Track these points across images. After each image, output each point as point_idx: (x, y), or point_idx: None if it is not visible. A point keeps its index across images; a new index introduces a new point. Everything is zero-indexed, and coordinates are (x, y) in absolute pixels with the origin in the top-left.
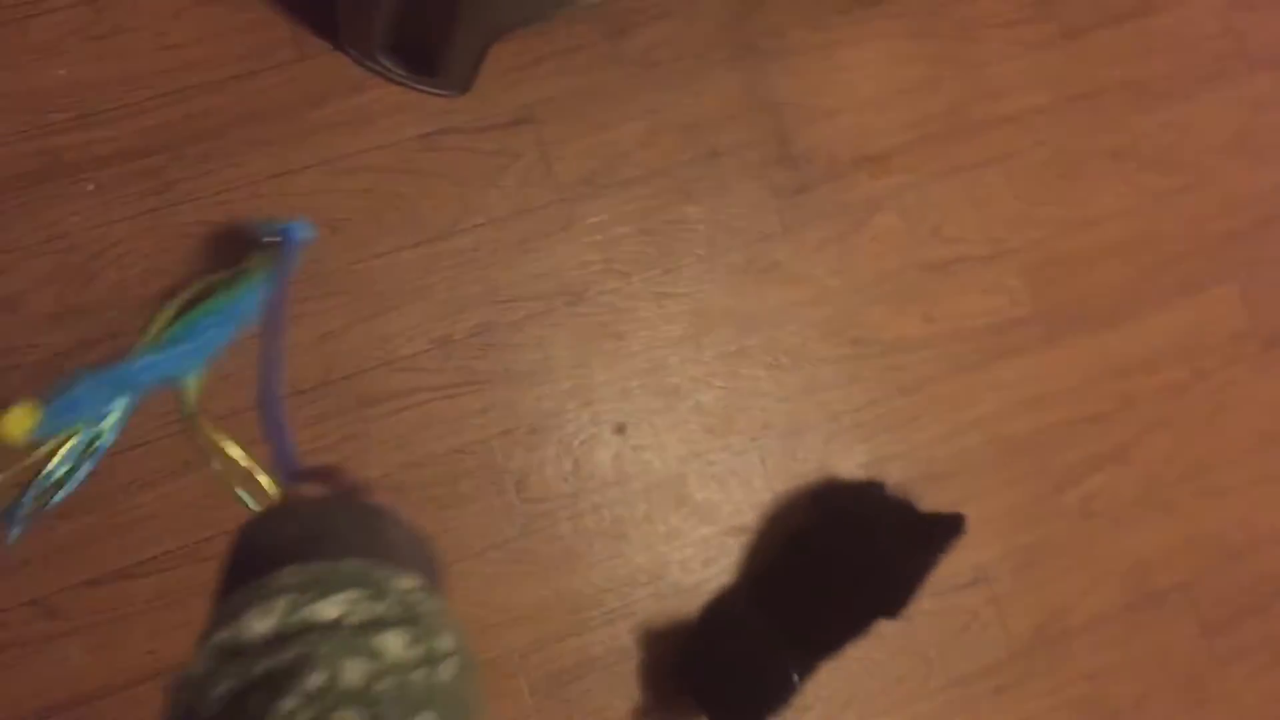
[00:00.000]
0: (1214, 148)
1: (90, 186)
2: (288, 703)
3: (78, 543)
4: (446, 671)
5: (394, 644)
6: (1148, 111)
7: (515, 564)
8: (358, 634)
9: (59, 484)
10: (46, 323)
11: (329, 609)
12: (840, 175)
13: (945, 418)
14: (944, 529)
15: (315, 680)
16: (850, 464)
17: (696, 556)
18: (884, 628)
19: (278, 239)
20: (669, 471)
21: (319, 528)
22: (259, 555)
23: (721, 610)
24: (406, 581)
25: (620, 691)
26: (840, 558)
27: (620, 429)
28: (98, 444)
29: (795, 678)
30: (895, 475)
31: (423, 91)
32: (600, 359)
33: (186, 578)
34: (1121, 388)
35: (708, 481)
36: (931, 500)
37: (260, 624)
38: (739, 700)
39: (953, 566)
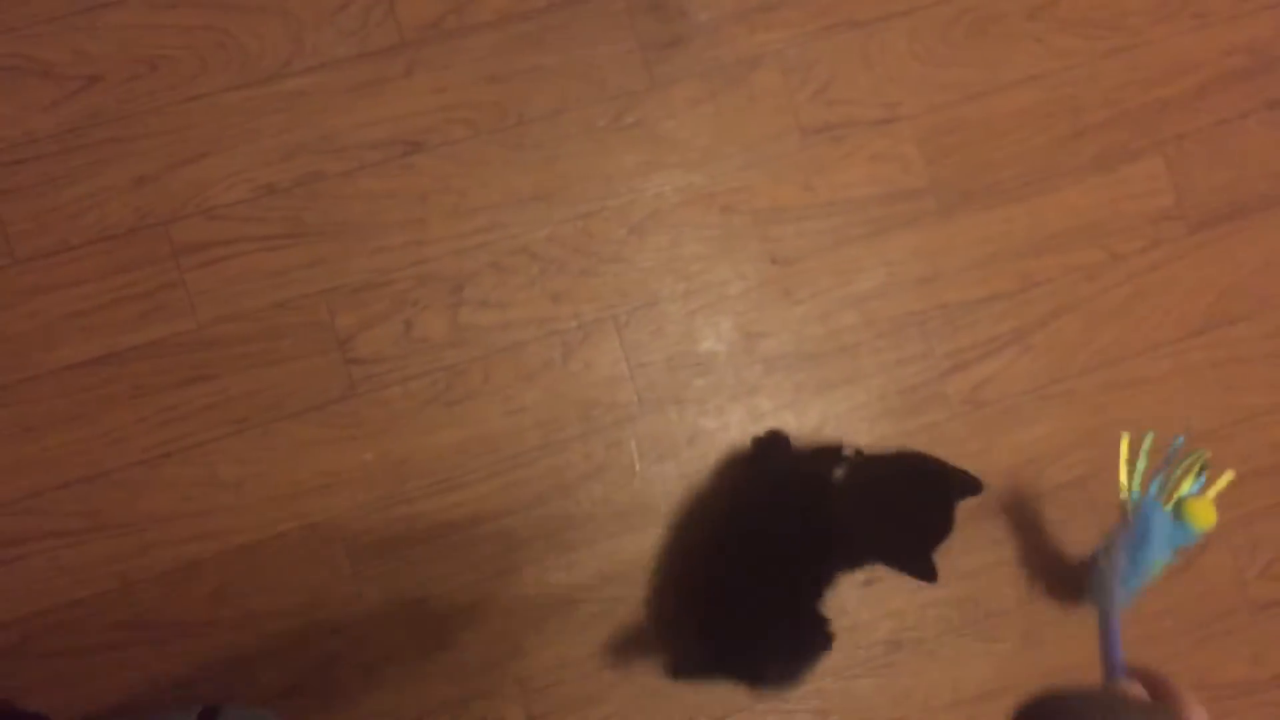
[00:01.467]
0: (1145, 7)
1: None
2: None
3: None
4: None
5: None
6: None
7: (338, 426)
8: None
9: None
10: None
11: None
12: (717, 27)
13: (823, 294)
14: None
15: None
16: (714, 338)
17: (535, 429)
18: None
19: None
20: (510, 338)
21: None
22: None
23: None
24: None
25: (445, 566)
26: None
27: (458, 289)
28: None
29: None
30: (768, 351)
31: None
32: (440, 215)
33: None
34: (1025, 268)
35: (552, 351)
36: (805, 377)
37: None
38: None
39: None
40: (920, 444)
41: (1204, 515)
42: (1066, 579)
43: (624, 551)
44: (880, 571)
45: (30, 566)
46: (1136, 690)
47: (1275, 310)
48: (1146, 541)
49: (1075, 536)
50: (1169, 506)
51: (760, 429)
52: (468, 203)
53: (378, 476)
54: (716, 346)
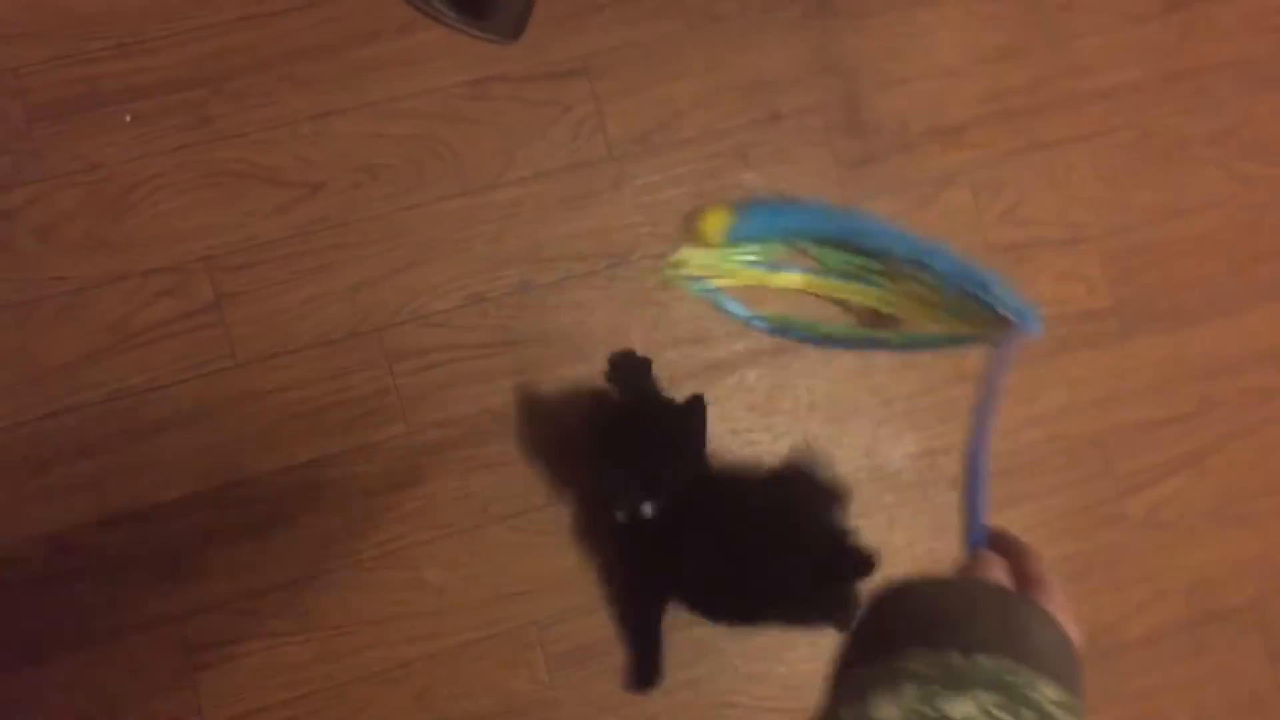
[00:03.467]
0: None
1: (127, 118)
2: None
3: None
4: None
5: None
6: (1254, 94)
7: (540, 533)
8: None
9: None
10: (75, 255)
11: (959, 708)
12: (910, 147)
13: (1007, 410)
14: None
15: None
16: (900, 453)
17: None
18: None
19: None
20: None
21: (960, 611)
22: (891, 624)
23: None
24: (1051, 692)
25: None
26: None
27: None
28: None
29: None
30: (946, 469)
31: (473, 36)
32: (640, 326)
33: None
34: (1203, 390)
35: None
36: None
37: (886, 710)
38: None
39: None
40: (1098, 562)
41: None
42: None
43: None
44: None
45: (244, 666)
46: (996, 570)
47: None
48: None
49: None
50: None
51: (944, 544)
52: (668, 314)
53: (577, 582)
54: (902, 461)
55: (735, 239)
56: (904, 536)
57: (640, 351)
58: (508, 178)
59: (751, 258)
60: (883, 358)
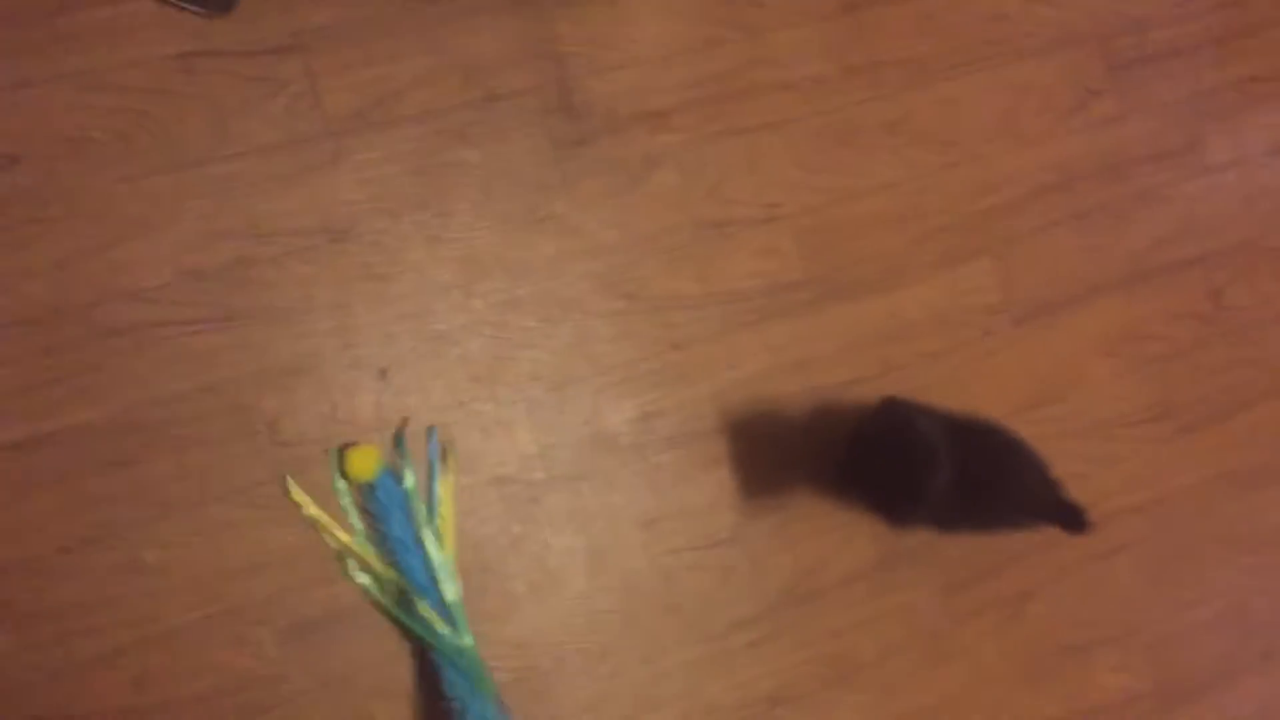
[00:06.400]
0: (979, 127)
1: None
2: None
3: None
4: None
5: None
6: (921, 88)
7: (263, 509)
8: None
9: None
10: None
11: None
12: (620, 129)
13: (714, 376)
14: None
15: None
16: (618, 418)
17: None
18: (643, 582)
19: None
20: (432, 420)
21: None
22: None
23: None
24: None
25: (370, 643)
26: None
27: (382, 374)
28: None
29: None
30: (662, 431)
31: (181, 8)
32: (364, 300)
33: None
34: (883, 353)
35: (471, 431)
36: (693, 455)
37: None
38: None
39: (714, 523)
40: (793, 514)
41: (363, 464)
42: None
43: (536, 620)
44: None
45: None
46: None
47: (1080, 392)
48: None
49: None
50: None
51: (660, 503)
52: (391, 289)
53: (302, 557)
54: (620, 425)
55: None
56: (623, 497)
57: (366, 321)
58: (220, 153)
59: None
60: (599, 328)
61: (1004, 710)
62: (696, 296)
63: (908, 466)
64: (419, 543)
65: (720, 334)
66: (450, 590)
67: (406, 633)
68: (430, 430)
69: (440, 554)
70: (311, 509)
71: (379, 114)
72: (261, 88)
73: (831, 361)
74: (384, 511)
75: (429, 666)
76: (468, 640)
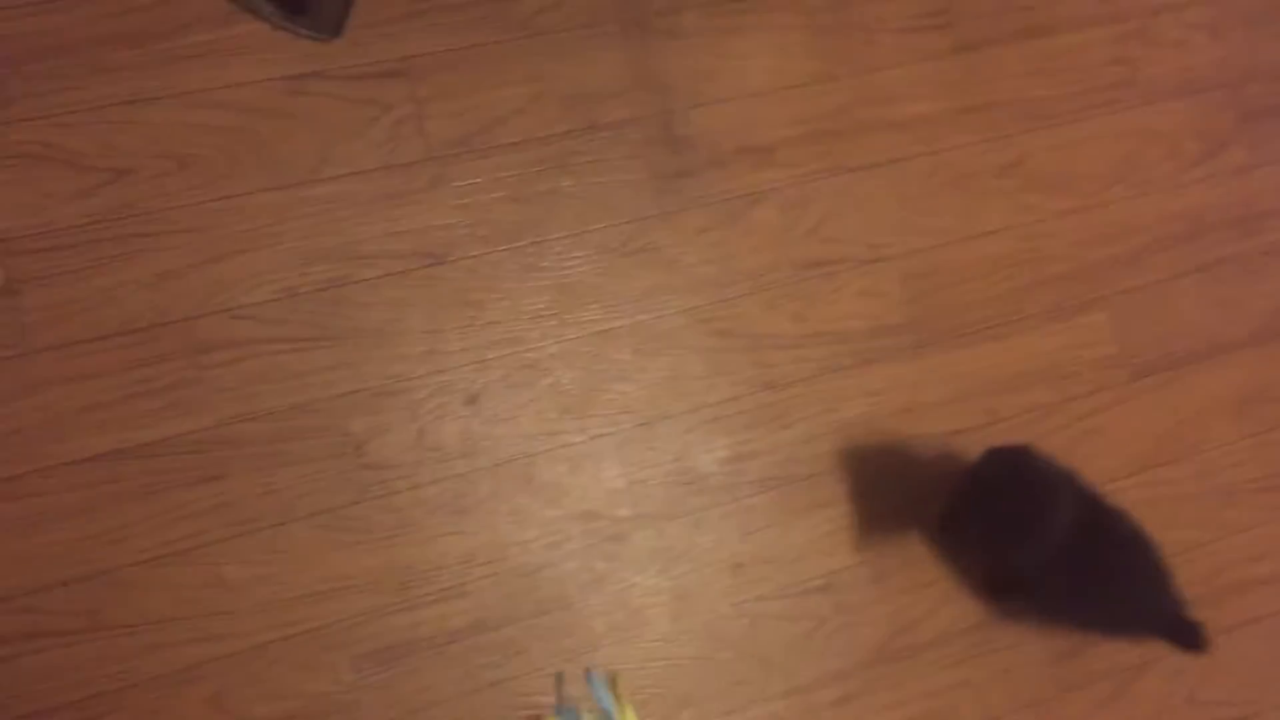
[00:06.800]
0: (1099, 173)
1: None
2: None
3: None
4: None
5: None
6: (1037, 131)
7: (346, 531)
8: None
9: None
10: None
11: None
12: (723, 164)
13: (810, 419)
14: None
15: None
16: (708, 458)
17: (539, 539)
18: (728, 628)
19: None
20: (519, 449)
21: None
22: None
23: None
24: None
25: (447, 674)
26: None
27: (472, 400)
28: None
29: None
30: (753, 473)
31: (292, 32)
32: (457, 326)
33: None
34: (989, 404)
35: (558, 463)
36: (786, 499)
37: None
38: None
39: (805, 570)
40: (894, 567)
41: None
42: None
43: (615, 660)
44: None
45: (24, 666)
46: None
47: (1201, 454)
48: None
49: None
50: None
51: (750, 547)
52: (484, 315)
53: (383, 582)
54: (710, 465)
55: None
56: (711, 539)
57: (458, 348)
58: (324, 174)
59: None
60: (692, 364)
61: None
62: (794, 336)
63: (1025, 505)
64: None
65: (817, 376)
66: None
67: None
68: (588, 674)
69: None
70: None
71: (481, 140)
72: (367, 110)
73: (934, 410)
74: None
75: None
76: None
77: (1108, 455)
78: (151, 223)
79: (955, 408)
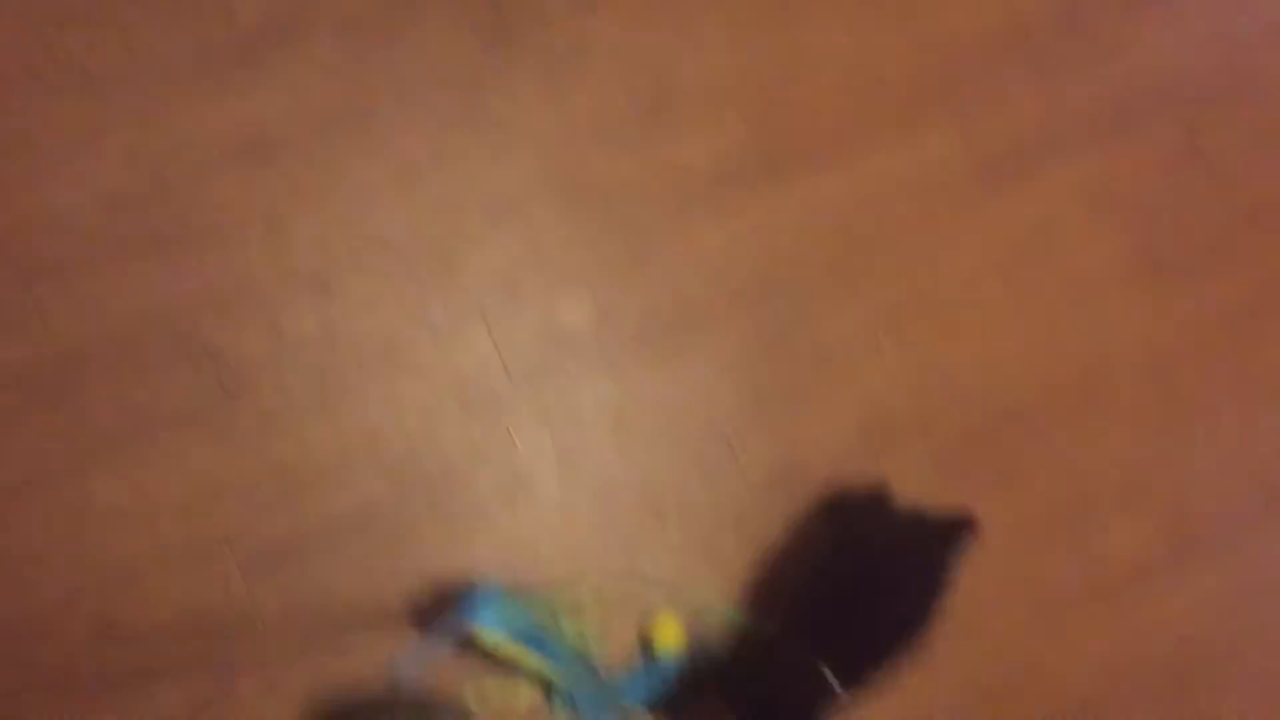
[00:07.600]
0: None
1: None
2: None
3: None
4: None
5: None
6: None
7: (215, 435)
8: None
9: None
10: None
11: None
12: (551, 20)
13: (669, 261)
14: (955, 530)
15: None
16: (574, 308)
17: (414, 418)
18: (617, 480)
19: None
20: (380, 330)
21: None
22: None
23: (753, 640)
24: None
25: (342, 568)
26: (866, 583)
27: (324, 287)
28: None
29: (837, 687)
30: (623, 324)
31: None
32: (297, 214)
33: None
34: (844, 223)
35: (422, 338)
36: (664, 341)
37: None
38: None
39: (698, 420)
40: (775, 393)
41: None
42: None
43: (520, 528)
44: None
45: None
46: None
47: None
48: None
49: None
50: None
51: (624, 385)
52: (324, 200)
53: (261, 484)
54: (578, 322)
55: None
56: (588, 393)
57: (303, 235)
58: (131, 72)
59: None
60: (546, 220)
61: None
62: (642, 180)
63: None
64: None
65: (669, 216)
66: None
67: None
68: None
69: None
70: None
71: (297, 22)
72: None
73: (795, 236)
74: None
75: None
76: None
77: (961, 260)
78: None
79: (814, 232)
